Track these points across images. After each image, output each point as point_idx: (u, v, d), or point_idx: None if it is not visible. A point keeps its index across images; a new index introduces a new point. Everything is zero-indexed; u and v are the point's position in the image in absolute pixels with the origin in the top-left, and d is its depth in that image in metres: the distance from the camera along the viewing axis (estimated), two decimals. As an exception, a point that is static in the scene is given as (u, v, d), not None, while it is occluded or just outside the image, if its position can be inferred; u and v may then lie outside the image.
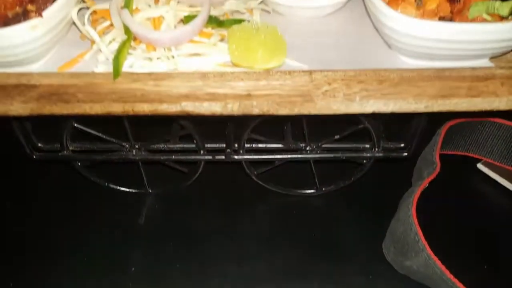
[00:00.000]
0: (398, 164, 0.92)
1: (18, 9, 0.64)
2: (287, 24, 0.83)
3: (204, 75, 0.69)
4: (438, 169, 0.89)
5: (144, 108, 0.69)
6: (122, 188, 0.96)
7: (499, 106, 0.69)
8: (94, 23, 0.77)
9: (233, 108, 0.70)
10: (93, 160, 0.90)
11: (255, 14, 0.81)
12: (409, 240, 0.77)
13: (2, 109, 0.69)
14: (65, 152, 0.89)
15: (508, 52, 0.71)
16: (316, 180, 0.94)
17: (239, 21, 0.79)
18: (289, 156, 0.90)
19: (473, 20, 0.66)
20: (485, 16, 0.66)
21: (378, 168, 0.91)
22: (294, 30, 0.82)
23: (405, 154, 0.90)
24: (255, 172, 0.94)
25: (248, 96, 0.69)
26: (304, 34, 0.81)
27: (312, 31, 0.82)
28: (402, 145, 0.90)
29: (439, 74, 0.68)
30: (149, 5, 0.76)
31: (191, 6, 0.76)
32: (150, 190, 0.97)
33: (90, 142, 0.89)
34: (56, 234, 0.89)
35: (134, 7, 0.75)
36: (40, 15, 0.66)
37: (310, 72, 0.69)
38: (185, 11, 0.76)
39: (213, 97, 0.69)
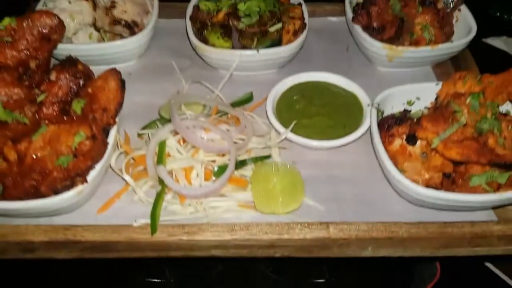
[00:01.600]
0: None
1: (67, 182, 0.71)
2: (304, 154, 0.90)
3: (231, 228, 0.77)
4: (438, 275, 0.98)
5: (177, 254, 0.77)
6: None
7: (495, 253, 0.77)
8: (128, 163, 0.85)
9: (257, 253, 0.78)
10: None
11: (274, 152, 0.88)
12: None
13: (47, 255, 0.77)
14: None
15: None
16: None
17: (261, 159, 0.86)
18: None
19: (473, 189, 0.74)
20: (484, 186, 0.73)
21: None
22: (310, 161, 0.89)
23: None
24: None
25: (272, 246, 0.77)
26: (319, 166, 0.89)
27: (327, 162, 0.90)
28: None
29: (442, 230, 0.76)
30: (179, 152, 0.83)
31: (218, 153, 0.83)
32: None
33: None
34: None
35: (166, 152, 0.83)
36: (85, 181, 0.73)
37: (327, 225, 0.77)
38: (213, 158, 0.83)
39: (239, 247, 0.77)
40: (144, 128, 0.93)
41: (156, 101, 0.98)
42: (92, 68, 0.88)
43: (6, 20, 0.77)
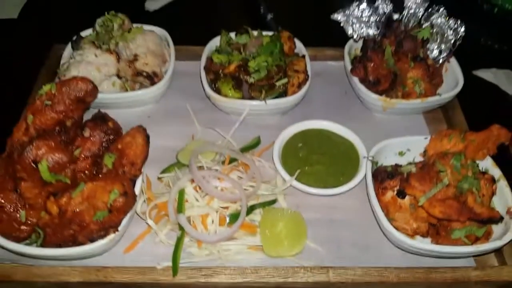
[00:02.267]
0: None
1: (102, 232, 0.82)
2: (307, 199, 1.01)
3: (243, 271, 0.88)
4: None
5: (195, 293, 0.88)
6: None
7: (474, 296, 0.89)
8: (151, 208, 0.96)
9: (265, 293, 0.89)
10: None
11: (280, 198, 0.99)
12: None
13: (81, 292, 0.88)
14: None
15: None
16: None
17: (269, 203, 0.97)
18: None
19: (454, 240, 0.85)
20: (463, 239, 0.85)
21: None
22: (312, 206, 1.00)
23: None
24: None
25: None
26: (320, 210, 1.00)
27: (327, 207, 1.01)
28: None
29: (427, 276, 0.87)
30: (197, 199, 0.94)
31: (231, 201, 0.94)
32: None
33: None
34: None
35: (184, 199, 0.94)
36: (117, 230, 0.84)
37: (327, 269, 0.88)
38: (226, 204, 0.94)
39: None
40: (163, 171, 1.03)
41: (173, 144, 1.08)
42: (115, 111, 0.99)
43: (47, 86, 0.87)
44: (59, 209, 0.81)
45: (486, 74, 1.49)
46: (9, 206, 0.81)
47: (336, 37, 1.25)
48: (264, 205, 0.97)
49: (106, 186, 0.82)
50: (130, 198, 0.84)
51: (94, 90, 0.89)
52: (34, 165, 0.77)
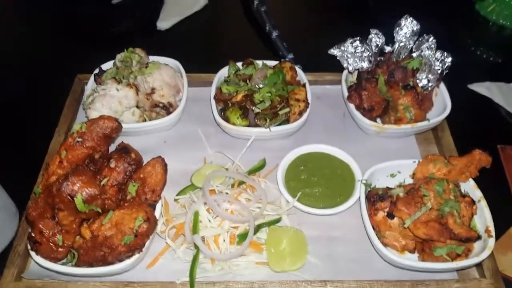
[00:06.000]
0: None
1: (129, 253, 0.95)
2: (307, 218, 1.13)
3: (251, 286, 1.00)
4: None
5: (209, 305, 1.01)
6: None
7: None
8: (169, 228, 1.08)
9: (271, 306, 1.01)
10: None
11: (284, 217, 1.11)
12: None
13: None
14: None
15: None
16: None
17: (274, 222, 1.09)
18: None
19: (437, 257, 0.97)
20: (444, 256, 0.96)
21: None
22: (312, 224, 1.12)
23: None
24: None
25: (283, 300, 1.00)
26: (320, 228, 1.12)
27: (326, 225, 1.12)
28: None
29: (414, 288, 0.99)
30: (210, 221, 1.06)
31: (240, 222, 1.06)
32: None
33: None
34: None
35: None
36: (141, 251, 0.97)
37: (325, 283, 1.00)
38: (236, 225, 1.06)
39: (257, 302, 1.00)
40: (179, 193, 1.15)
41: (187, 166, 1.21)
42: (135, 137, 1.10)
43: (78, 125, 0.99)
44: (91, 233, 0.94)
45: (480, 88, 1.56)
46: (48, 232, 0.94)
47: (336, 63, 1.37)
48: (269, 224, 1.09)
49: (132, 214, 0.94)
50: (152, 223, 0.96)
51: (119, 127, 1.01)
52: (70, 198, 0.89)
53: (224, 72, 1.34)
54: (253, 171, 1.20)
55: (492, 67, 1.68)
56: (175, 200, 1.16)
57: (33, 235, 0.95)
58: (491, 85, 1.58)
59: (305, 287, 1.00)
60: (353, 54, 1.19)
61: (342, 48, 1.19)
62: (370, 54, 1.19)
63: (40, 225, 0.94)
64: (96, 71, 1.30)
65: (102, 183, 1.00)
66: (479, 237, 0.96)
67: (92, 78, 1.31)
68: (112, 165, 1.02)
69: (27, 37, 1.76)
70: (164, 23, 1.75)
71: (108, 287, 1.00)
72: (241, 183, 1.15)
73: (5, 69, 1.62)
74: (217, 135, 1.31)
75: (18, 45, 1.74)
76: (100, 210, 0.95)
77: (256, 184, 1.13)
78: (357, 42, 1.18)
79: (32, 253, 0.97)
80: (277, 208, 1.13)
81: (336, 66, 1.35)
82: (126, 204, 0.98)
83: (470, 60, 1.66)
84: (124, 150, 1.05)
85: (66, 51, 1.67)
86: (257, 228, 1.08)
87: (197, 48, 1.69)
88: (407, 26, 1.18)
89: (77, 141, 0.99)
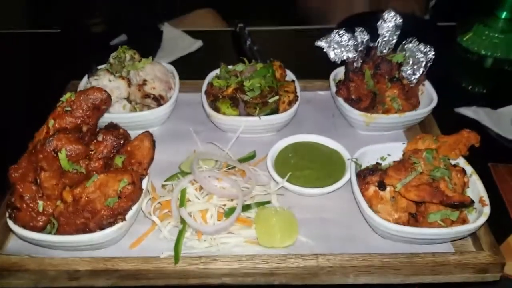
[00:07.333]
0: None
1: (111, 219, 0.91)
2: (298, 200, 1.10)
3: (239, 259, 0.95)
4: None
5: (195, 282, 0.95)
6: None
7: (454, 281, 0.95)
8: (155, 207, 1.05)
9: (260, 281, 0.95)
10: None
11: (273, 198, 1.08)
12: None
13: (90, 283, 0.94)
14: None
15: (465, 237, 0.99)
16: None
17: (263, 203, 1.06)
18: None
19: (431, 223, 0.94)
20: (439, 222, 0.93)
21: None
22: (303, 207, 1.09)
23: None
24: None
25: (272, 274, 0.95)
26: (311, 210, 1.09)
27: (317, 207, 1.09)
28: None
29: (409, 260, 0.94)
30: (197, 197, 1.03)
31: (228, 198, 1.04)
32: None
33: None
34: None
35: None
36: (124, 219, 0.93)
37: (317, 256, 0.95)
38: (224, 202, 1.03)
39: (246, 275, 0.94)
40: (167, 180, 1.13)
41: (176, 159, 1.19)
42: None
43: (68, 95, 1.00)
44: (73, 197, 0.91)
45: (467, 112, 1.58)
46: (28, 196, 0.91)
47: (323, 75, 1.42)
48: (258, 204, 1.06)
49: (117, 177, 0.92)
50: (137, 188, 0.94)
51: (108, 98, 1.02)
52: (54, 154, 0.88)
53: (216, 71, 1.38)
54: (243, 160, 1.19)
55: (477, 95, 1.72)
56: (163, 186, 1.13)
57: (13, 200, 0.92)
58: (478, 110, 1.61)
59: (296, 260, 0.95)
60: (339, 44, 1.23)
61: (328, 39, 1.24)
62: (355, 43, 1.23)
63: (21, 189, 0.91)
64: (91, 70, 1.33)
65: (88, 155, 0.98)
66: (472, 202, 0.93)
67: (85, 77, 1.33)
68: (100, 138, 1.02)
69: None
70: (163, 59, 1.80)
71: (87, 262, 0.95)
72: (230, 169, 1.14)
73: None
74: (206, 132, 1.31)
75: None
76: (84, 171, 0.93)
77: (245, 167, 1.12)
78: (343, 31, 1.23)
79: (10, 222, 0.93)
80: (266, 190, 1.10)
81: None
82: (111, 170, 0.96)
83: (455, 90, 1.71)
84: (112, 125, 1.05)
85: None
86: (246, 208, 1.04)
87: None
88: (390, 20, 1.24)
89: (66, 110, 0.99)
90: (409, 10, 2.22)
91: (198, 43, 1.87)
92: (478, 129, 1.12)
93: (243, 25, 1.62)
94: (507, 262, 0.97)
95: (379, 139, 1.27)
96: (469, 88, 1.79)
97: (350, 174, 1.07)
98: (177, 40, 1.89)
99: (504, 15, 1.82)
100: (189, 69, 1.75)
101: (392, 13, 1.24)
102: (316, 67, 1.47)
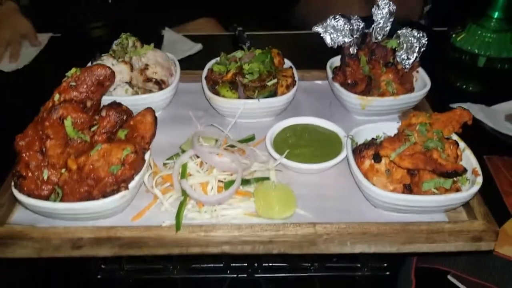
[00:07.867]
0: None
1: (114, 187, 0.94)
2: (296, 177, 1.13)
3: (239, 227, 0.97)
4: (414, 286, 1.14)
5: (195, 250, 0.97)
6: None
7: (449, 249, 0.97)
8: (156, 181, 1.07)
9: (259, 249, 0.97)
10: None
11: (271, 174, 1.11)
12: None
13: (93, 252, 0.96)
14: (121, 272, 1.15)
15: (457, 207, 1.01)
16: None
17: (262, 179, 1.09)
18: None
19: (425, 192, 0.96)
20: (433, 190, 0.96)
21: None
22: (301, 183, 1.11)
23: (388, 273, 1.16)
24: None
25: (270, 242, 0.97)
26: (308, 186, 1.11)
27: (314, 184, 1.12)
28: (385, 264, 1.17)
29: (405, 228, 0.97)
30: (198, 171, 1.06)
31: (228, 172, 1.06)
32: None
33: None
34: None
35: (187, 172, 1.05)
36: (127, 188, 0.96)
37: (314, 225, 0.98)
38: (224, 176, 1.06)
39: (245, 243, 0.96)
40: (168, 159, 1.16)
41: (177, 141, 1.21)
42: None
43: (73, 70, 1.04)
44: (77, 166, 0.94)
45: (462, 107, 1.63)
46: (34, 164, 0.93)
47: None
48: (257, 180, 1.09)
49: (121, 146, 0.95)
50: (140, 158, 0.97)
51: (112, 75, 1.05)
52: (60, 121, 0.91)
53: (216, 60, 1.42)
54: (242, 142, 1.22)
55: (471, 94, 1.76)
56: (164, 164, 1.16)
57: (18, 169, 0.94)
58: (472, 105, 1.66)
59: (294, 228, 0.98)
60: (335, 28, 1.28)
61: (325, 24, 1.29)
62: (351, 28, 1.27)
63: (27, 157, 0.93)
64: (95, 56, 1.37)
65: (92, 129, 1.01)
66: (465, 170, 0.96)
67: (89, 63, 1.37)
68: (103, 113, 1.05)
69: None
70: None
71: (90, 230, 0.97)
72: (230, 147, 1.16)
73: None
74: (206, 117, 1.34)
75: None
76: (88, 140, 0.96)
77: (244, 146, 1.15)
78: (338, 16, 1.28)
79: (15, 191, 0.96)
80: (265, 166, 1.13)
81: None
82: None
83: (448, 89, 1.75)
84: (115, 103, 1.08)
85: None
86: (245, 183, 1.07)
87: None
88: (383, 6, 1.29)
89: (71, 85, 1.02)
90: (404, 15, 2.28)
91: (198, 47, 1.91)
92: (473, 123, 1.15)
93: (242, 29, 1.68)
94: (504, 246, 1.00)
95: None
96: (463, 87, 1.83)
97: (346, 150, 1.10)
98: (177, 44, 1.94)
99: (496, 15, 1.87)
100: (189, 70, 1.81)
101: (386, 0, 1.29)
102: (316, 67, 1.53)
